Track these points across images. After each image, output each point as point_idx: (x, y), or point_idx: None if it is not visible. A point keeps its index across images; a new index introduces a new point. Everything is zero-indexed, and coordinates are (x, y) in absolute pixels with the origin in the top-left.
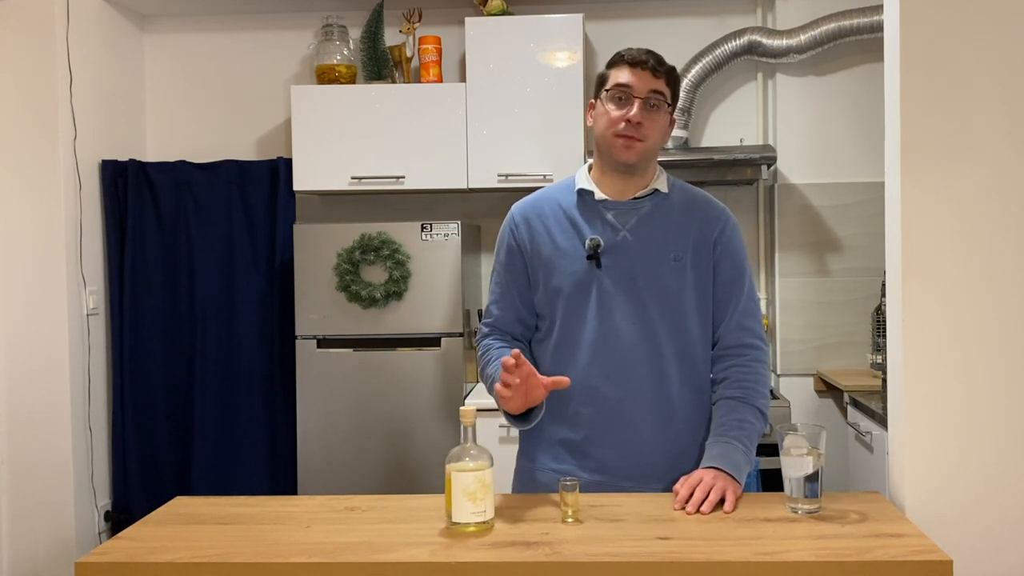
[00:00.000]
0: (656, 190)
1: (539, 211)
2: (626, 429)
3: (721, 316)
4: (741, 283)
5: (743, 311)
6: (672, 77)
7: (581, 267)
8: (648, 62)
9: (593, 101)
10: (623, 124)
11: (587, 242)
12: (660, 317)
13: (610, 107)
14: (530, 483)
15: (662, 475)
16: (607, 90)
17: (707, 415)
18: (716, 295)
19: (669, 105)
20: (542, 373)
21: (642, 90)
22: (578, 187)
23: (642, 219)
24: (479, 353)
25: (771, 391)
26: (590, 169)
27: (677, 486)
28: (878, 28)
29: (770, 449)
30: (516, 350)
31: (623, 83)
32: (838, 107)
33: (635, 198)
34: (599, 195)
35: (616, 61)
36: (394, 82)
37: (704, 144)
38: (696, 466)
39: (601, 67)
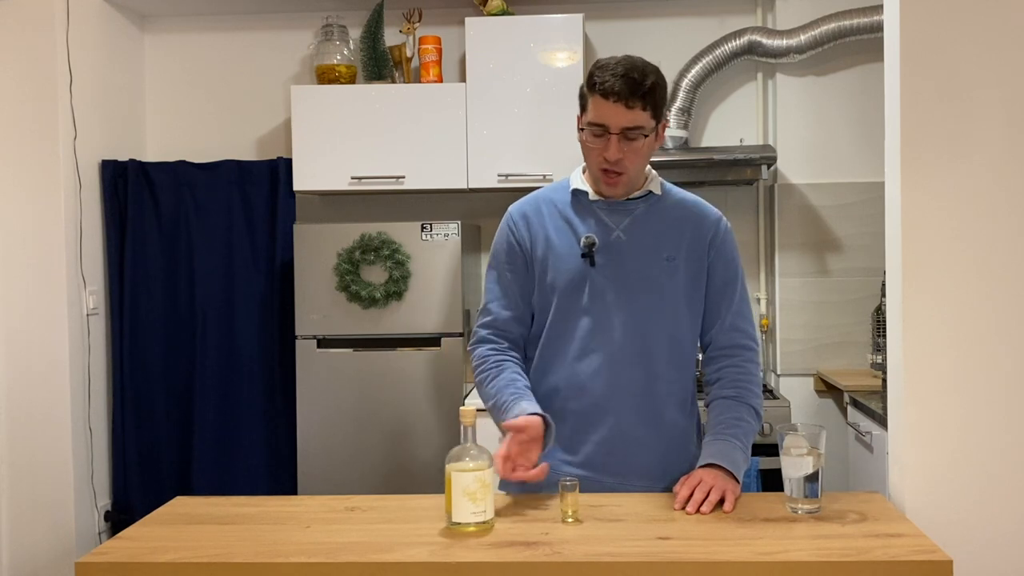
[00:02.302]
0: (650, 192)
1: (536, 210)
2: (613, 425)
3: (715, 318)
4: (735, 285)
5: (736, 313)
6: (651, 97)
7: (575, 265)
8: (621, 93)
9: (580, 115)
10: (603, 161)
11: (582, 240)
12: (651, 316)
13: (589, 138)
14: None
15: (646, 472)
16: (581, 129)
17: (692, 415)
18: (710, 297)
19: (653, 122)
20: (531, 370)
21: (616, 127)
22: (572, 187)
23: (636, 219)
24: (474, 363)
25: (771, 391)
26: (584, 170)
27: (677, 486)
28: (878, 28)
29: (770, 449)
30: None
31: (597, 121)
32: (838, 107)
33: (629, 199)
34: (593, 195)
35: (592, 86)
36: (394, 82)
37: (704, 144)
38: (686, 466)
39: None
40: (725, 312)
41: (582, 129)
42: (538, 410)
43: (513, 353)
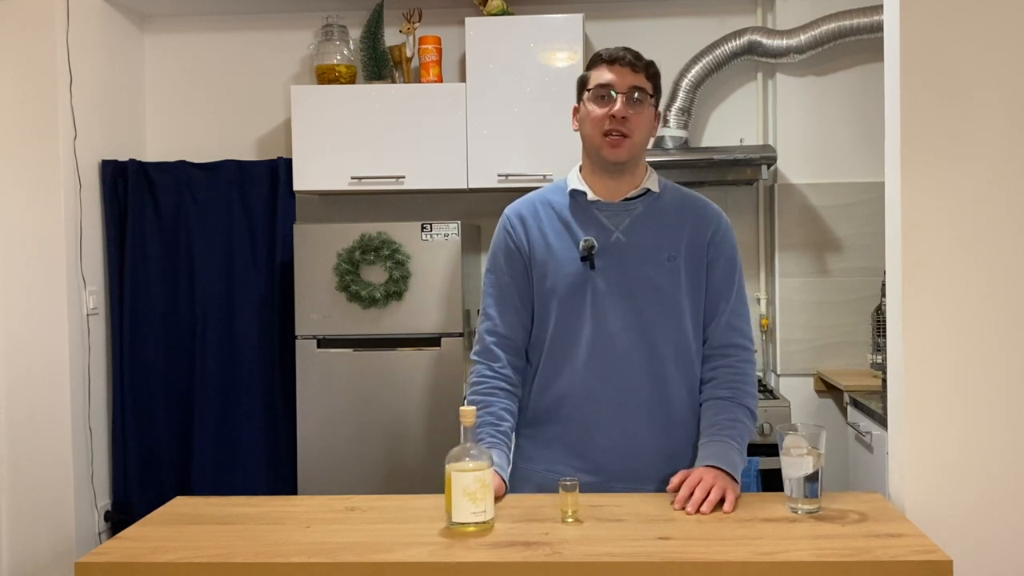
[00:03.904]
0: (648, 190)
1: (533, 212)
2: (623, 430)
3: (711, 316)
4: (732, 284)
5: (733, 311)
6: (652, 71)
7: (575, 269)
8: (626, 58)
9: (576, 105)
10: (608, 122)
11: (581, 244)
12: (655, 318)
13: (593, 107)
14: (524, 483)
15: (656, 476)
16: (589, 90)
17: (697, 415)
18: (708, 295)
19: (652, 98)
20: (536, 376)
21: (623, 86)
22: (570, 188)
23: (635, 220)
24: (471, 378)
25: (771, 391)
26: (581, 170)
27: (676, 481)
28: (878, 28)
29: (770, 449)
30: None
31: (604, 82)
32: (838, 107)
33: (627, 199)
34: (591, 196)
35: (595, 62)
36: (394, 82)
37: (704, 144)
38: (690, 466)
39: None
40: (723, 310)
41: (580, 101)
42: (503, 467)
43: (508, 373)
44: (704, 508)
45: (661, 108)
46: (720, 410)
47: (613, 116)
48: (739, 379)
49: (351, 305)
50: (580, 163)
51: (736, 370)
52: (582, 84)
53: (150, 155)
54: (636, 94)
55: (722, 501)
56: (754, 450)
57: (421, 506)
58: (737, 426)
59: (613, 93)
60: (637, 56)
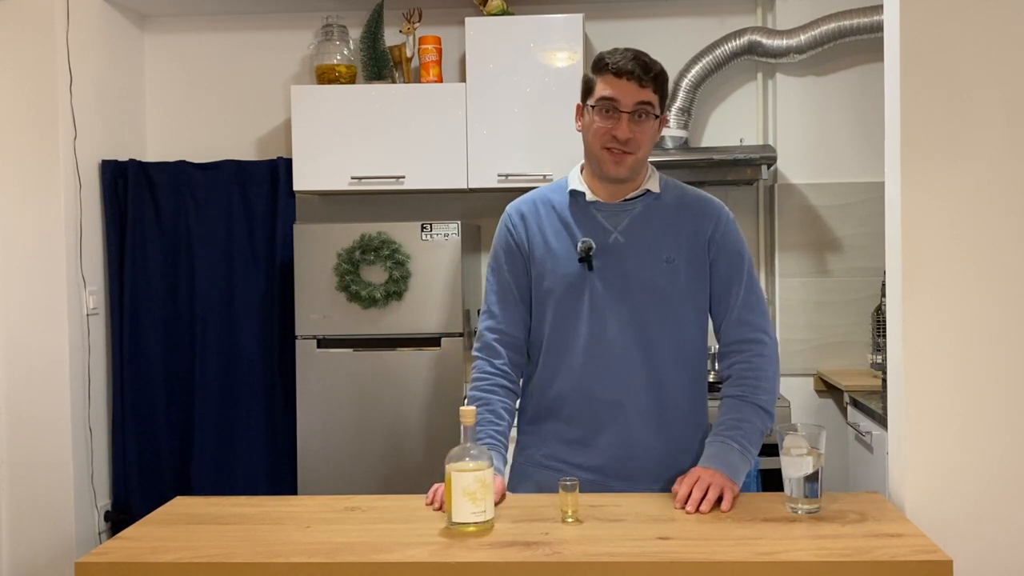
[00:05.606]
0: (648, 191)
1: (534, 210)
2: (619, 430)
3: (722, 313)
4: (739, 278)
5: (743, 306)
6: (660, 81)
7: (573, 269)
8: (634, 72)
9: (580, 105)
10: (611, 140)
11: (579, 245)
12: (653, 319)
13: (596, 119)
14: (524, 479)
15: (654, 476)
16: (592, 105)
17: (703, 416)
18: (715, 292)
19: (657, 115)
20: (533, 376)
21: (628, 104)
22: (570, 188)
23: (633, 220)
24: (472, 374)
25: None
26: (582, 169)
27: (675, 486)
28: (878, 28)
29: (770, 449)
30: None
31: (609, 96)
32: (838, 107)
33: (626, 199)
34: (590, 196)
35: (601, 68)
36: (394, 82)
37: (704, 144)
38: (690, 465)
39: None
40: (732, 305)
41: (584, 104)
42: (500, 469)
43: (508, 370)
44: (703, 507)
45: None
46: (729, 409)
47: (616, 136)
48: (750, 375)
49: (351, 305)
50: (580, 163)
51: (749, 365)
52: (587, 87)
53: (150, 155)
54: (641, 111)
55: (721, 500)
56: None
57: (421, 506)
58: (743, 426)
59: (618, 110)
60: (645, 68)
